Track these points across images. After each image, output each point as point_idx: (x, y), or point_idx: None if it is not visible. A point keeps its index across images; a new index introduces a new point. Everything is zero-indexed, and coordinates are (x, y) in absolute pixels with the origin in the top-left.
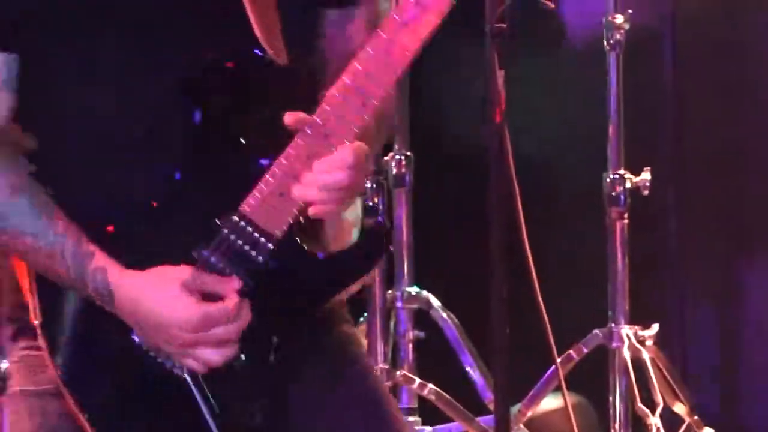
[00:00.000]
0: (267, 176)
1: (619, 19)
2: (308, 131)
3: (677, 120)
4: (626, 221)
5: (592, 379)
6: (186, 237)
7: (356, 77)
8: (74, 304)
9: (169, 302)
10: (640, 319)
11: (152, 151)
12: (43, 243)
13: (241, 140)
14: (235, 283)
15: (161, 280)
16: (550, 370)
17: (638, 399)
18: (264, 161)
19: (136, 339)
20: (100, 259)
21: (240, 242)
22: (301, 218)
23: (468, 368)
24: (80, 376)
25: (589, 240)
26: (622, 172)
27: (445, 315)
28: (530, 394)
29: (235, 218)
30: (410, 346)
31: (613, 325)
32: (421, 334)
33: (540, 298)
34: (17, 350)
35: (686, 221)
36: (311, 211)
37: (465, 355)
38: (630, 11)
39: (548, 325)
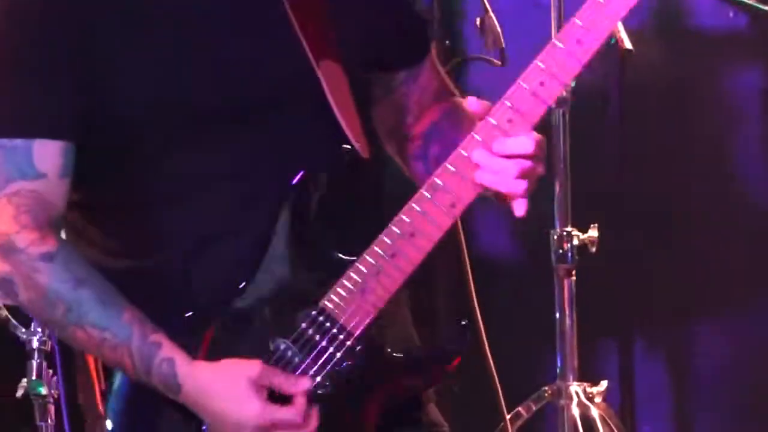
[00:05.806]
0: (350, 272)
1: None
2: (394, 229)
3: (620, 175)
4: (574, 278)
5: None
6: (266, 328)
7: (446, 179)
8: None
9: (236, 400)
10: (589, 375)
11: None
12: (108, 335)
13: (326, 236)
14: (305, 383)
15: (230, 375)
16: (500, 427)
17: None
18: (348, 257)
19: (205, 429)
20: (167, 350)
21: (318, 337)
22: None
23: None
24: None
25: (537, 296)
26: (569, 228)
27: None
28: None
29: (314, 312)
30: None
31: (561, 381)
32: None
33: (489, 355)
34: None
35: (635, 277)
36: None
37: None
38: None
39: (497, 382)
